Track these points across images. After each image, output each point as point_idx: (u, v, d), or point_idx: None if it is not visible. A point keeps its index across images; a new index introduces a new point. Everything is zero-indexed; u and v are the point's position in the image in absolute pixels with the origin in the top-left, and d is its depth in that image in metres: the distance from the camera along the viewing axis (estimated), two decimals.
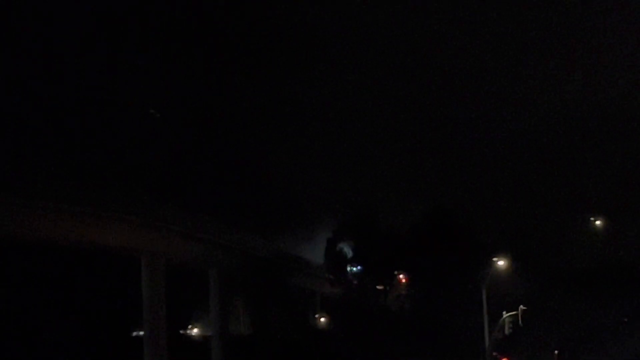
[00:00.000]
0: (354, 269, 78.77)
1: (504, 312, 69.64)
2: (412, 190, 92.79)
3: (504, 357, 72.97)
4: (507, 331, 69.24)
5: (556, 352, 79.44)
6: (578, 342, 79.60)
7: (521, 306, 69.32)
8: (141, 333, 72.84)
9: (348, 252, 78.49)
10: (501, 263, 71.65)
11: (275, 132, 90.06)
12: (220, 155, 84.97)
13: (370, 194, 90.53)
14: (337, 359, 73.53)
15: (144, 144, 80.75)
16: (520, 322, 68.72)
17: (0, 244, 62.19)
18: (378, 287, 79.32)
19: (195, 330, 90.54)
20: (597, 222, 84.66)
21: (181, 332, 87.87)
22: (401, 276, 78.37)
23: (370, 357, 72.42)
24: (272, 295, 79.40)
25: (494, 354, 71.99)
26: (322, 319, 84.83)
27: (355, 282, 78.51)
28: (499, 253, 72.25)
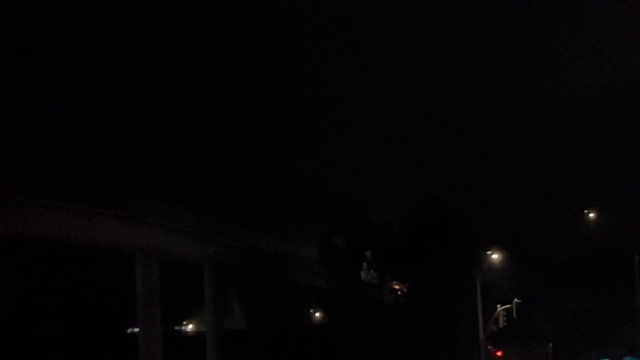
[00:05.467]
0: (371, 271, 79.03)
1: (499, 305, 69.76)
2: (404, 183, 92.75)
3: (498, 350, 73.19)
4: (501, 324, 69.37)
5: (550, 344, 79.73)
6: (572, 335, 79.96)
7: (515, 299, 69.47)
8: (136, 330, 72.86)
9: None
10: (495, 256, 71.84)
11: (268, 128, 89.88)
12: (214, 150, 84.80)
13: (362, 188, 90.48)
14: (331, 353, 73.56)
15: (137, 140, 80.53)
16: (514, 315, 68.89)
17: None
18: (395, 286, 79.63)
19: (190, 326, 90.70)
20: (590, 215, 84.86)
21: (176, 328, 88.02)
22: None
23: (365, 352, 72.47)
24: (266, 290, 79.38)
25: (489, 347, 72.18)
26: (317, 314, 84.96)
27: (349, 276, 78.51)
28: (492, 246, 72.40)
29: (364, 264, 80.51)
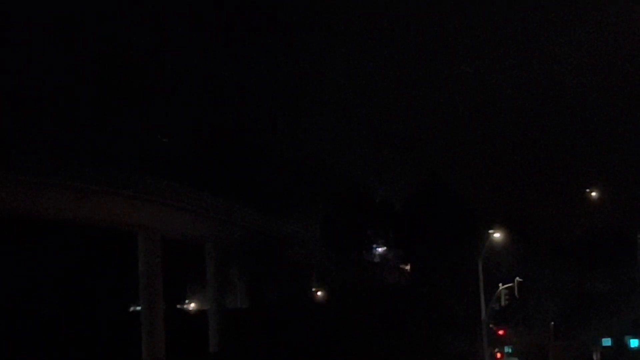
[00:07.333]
0: (377, 249, 79.18)
1: (500, 284, 69.66)
2: (405, 163, 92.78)
3: (500, 329, 73.16)
4: (503, 303, 69.27)
5: (552, 323, 79.75)
6: (574, 314, 79.98)
7: (517, 278, 69.34)
8: (138, 308, 72.96)
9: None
10: (497, 235, 71.70)
11: (270, 107, 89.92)
12: (217, 129, 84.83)
13: (364, 167, 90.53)
14: (333, 332, 73.68)
15: (140, 119, 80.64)
16: (516, 293, 68.76)
17: None
18: (397, 265, 79.81)
19: (192, 305, 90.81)
20: (593, 194, 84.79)
21: (178, 306, 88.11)
22: None
23: (366, 330, 72.58)
24: (268, 269, 79.38)
25: (491, 325, 72.12)
26: (319, 293, 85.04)
27: (351, 255, 78.60)
28: (494, 225, 72.29)
29: (366, 243, 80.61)
